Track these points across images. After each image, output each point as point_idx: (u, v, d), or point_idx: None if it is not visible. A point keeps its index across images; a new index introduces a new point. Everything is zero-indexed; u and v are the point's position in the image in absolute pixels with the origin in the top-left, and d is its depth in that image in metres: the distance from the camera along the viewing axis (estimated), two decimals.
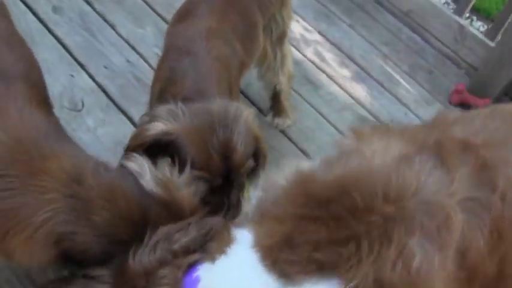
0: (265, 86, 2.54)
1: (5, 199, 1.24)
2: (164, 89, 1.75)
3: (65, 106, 2.36)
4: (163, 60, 1.88)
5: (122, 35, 2.77)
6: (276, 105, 2.58)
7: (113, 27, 2.80)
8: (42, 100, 1.48)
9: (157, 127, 1.55)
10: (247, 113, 1.66)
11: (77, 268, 1.33)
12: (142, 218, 1.30)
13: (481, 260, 1.18)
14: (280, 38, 2.36)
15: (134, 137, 1.61)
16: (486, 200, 1.19)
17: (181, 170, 1.45)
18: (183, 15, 1.98)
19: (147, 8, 2.98)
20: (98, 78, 2.53)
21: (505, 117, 1.43)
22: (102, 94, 2.47)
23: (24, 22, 2.62)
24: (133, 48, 2.72)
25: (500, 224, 1.20)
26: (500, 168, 1.24)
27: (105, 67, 2.58)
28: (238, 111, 1.62)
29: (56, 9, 2.77)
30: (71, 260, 1.32)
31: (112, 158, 2.18)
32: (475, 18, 4.99)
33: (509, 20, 3.24)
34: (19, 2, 2.71)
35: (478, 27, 4.88)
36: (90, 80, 2.51)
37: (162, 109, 1.60)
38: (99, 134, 2.32)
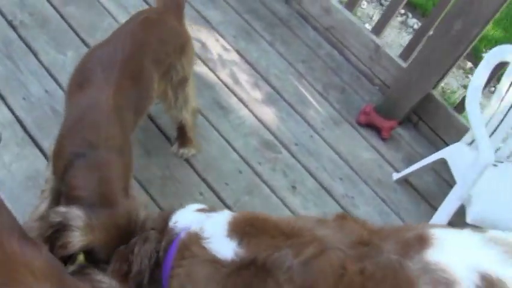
0: (171, 119, 2.78)
1: None
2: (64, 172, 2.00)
3: None
4: (63, 136, 2.08)
5: (42, 63, 2.97)
6: (181, 136, 2.82)
7: (35, 54, 2.99)
8: None
9: (78, 241, 1.84)
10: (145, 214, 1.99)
11: None
12: None
13: None
14: (181, 82, 2.55)
15: (61, 247, 1.86)
16: None
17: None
18: (80, 83, 2.16)
19: (71, 32, 3.16)
20: (16, 111, 2.74)
21: None
22: (19, 127, 2.69)
23: None
24: (52, 76, 2.92)
25: None
26: None
27: (24, 98, 2.79)
28: (138, 216, 1.96)
29: None
30: None
31: (23, 193, 2.44)
32: (410, 15, 5.20)
33: (421, 44, 3.48)
34: None
35: (412, 24, 5.10)
36: (9, 113, 2.73)
37: (76, 217, 1.86)
38: (13, 169, 2.55)
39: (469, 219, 2.68)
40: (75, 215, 1.86)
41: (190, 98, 2.67)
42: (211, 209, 1.95)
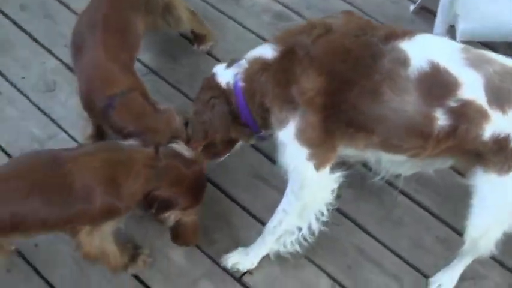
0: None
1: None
2: None
3: (42, 90, 3.17)
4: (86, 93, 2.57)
5: (75, 11, 3.45)
6: (195, 36, 3.22)
7: (67, 6, 3.49)
8: None
9: None
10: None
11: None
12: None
13: None
14: (167, 8, 2.90)
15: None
16: None
17: None
18: (77, 46, 2.64)
19: None
20: (62, 57, 3.27)
21: None
22: (67, 71, 3.20)
23: None
24: None
25: None
26: None
27: (65, 46, 3.26)
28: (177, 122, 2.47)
29: None
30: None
31: (80, 121, 2.96)
32: None
33: None
34: None
35: None
36: (56, 61, 3.28)
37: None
38: (69, 105, 3.08)
39: (459, 37, 2.80)
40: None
41: (181, 15, 2.98)
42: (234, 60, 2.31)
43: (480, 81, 1.85)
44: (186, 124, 2.46)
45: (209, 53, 3.26)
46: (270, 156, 2.71)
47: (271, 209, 2.38)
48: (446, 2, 2.83)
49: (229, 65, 2.29)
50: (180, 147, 2.31)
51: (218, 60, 3.21)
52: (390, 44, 1.93)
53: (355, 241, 2.60)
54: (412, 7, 3.38)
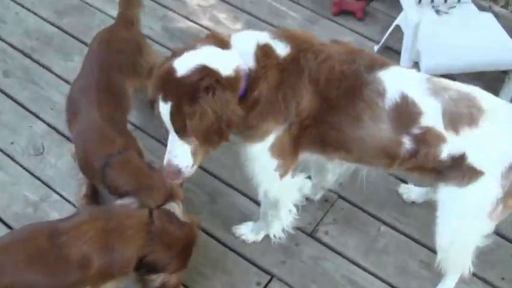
0: None
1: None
2: None
3: (31, 154, 3.28)
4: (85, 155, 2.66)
5: (57, 74, 3.59)
6: None
7: (49, 69, 3.62)
8: None
9: None
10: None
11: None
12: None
13: None
14: (152, 71, 3.00)
15: None
16: None
17: None
18: (73, 111, 2.77)
19: (71, 39, 3.77)
20: (48, 121, 3.39)
21: None
22: (54, 133, 3.33)
23: None
24: (67, 82, 3.49)
25: None
26: None
27: (51, 109, 3.42)
28: None
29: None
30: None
31: (71, 180, 3.06)
32: None
33: None
34: None
35: None
36: (43, 124, 3.38)
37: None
38: (59, 165, 3.20)
39: (422, 72, 3.01)
40: (130, 202, 2.44)
41: None
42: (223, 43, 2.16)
43: (438, 108, 2.08)
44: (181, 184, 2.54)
45: None
46: (255, 199, 2.83)
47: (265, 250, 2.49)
48: (409, 40, 3.05)
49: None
50: (174, 207, 2.42)
51: None
52: (372, 74, 2.14)
53: (346, 273, 2.75)
54: (376, 47, 3.60)
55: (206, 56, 2.05)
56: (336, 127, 2.17)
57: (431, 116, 2.09)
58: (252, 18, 3.80)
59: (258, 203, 2.72)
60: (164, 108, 2.04)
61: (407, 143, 2.12)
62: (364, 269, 2.76)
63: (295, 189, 2.50)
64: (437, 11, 3.30)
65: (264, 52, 2.12)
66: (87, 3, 3.98)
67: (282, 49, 2.13)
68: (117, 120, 2.70)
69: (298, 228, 2.78)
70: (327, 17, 3.76)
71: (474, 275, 2.57)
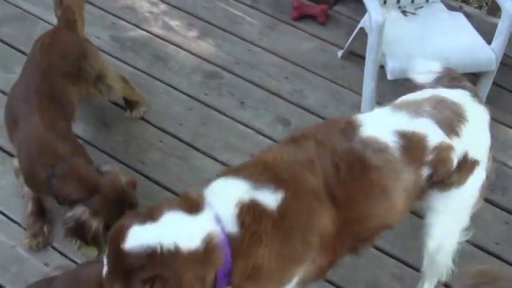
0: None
1: None
2: None
3: None
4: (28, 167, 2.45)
5: None
6: (127, 102, 3.12)
7: None
8: None
9: (98, 226, 2.26)
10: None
11: None
12: None
13: None
14: (99, 77, 2.82)
15: (92, 237, 2.28)
16: None
17: None
18: (13, 120, 2.52)
19: (12, 50, 3.48)
20: None
21: None
22: None
23: None
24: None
25: None
26: None
27: None
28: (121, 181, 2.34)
29: None
30: None
31: (17, 199, 2.76)
32: None
33: None
34: None
35: None
36: None
37: (83, 212, 2.26)
38: (3, 184, 2.91)
39: (389, 76, 2.84)
40: (81, 211, 2.28)
41: (113, 84, 2.91)
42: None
43: (432, 123, 1.93)
44: (134, 186, 2.40)
45: (143, 118, 3.16)
46: None
47: None
48: (374, 43, 2.86)
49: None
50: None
51: (152, 125, 3.12)
52: (355, 138, 1.91)
53: None
54: (340, 53, 3.41)
55: (166, 228, 1.67)
56: (364, 217, 1.93)
57: (434, 133, 1.93)
58: (206, 24, 3.58)
59: None
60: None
61: (425, 172, 1.94)
62: (335, 285, 2.56)
63: None
64: (404, 12, 3.12)
65: (251, 214, 1.72)
66: (28, 12, 3.69)
67: (272, 199, 1.75)
68: (61, 128, 2.49)
69: None
70: (286, 22, 3.56)
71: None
